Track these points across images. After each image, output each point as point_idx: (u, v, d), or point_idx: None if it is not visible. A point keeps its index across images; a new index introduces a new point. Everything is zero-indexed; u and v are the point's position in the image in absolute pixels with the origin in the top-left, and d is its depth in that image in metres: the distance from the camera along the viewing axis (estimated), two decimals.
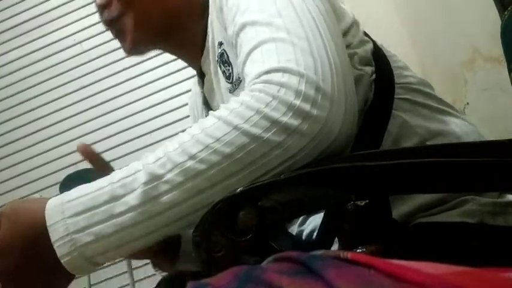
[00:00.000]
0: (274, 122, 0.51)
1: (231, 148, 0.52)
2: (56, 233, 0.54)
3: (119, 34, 0.80)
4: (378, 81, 0.71)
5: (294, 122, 0.51)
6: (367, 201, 0.49)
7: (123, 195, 0.54)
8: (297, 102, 0.51)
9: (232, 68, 0.72)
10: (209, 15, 0.75)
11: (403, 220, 0.64)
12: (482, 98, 1.39)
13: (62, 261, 0.54)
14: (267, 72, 0.54)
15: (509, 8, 0.75)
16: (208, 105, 0.87)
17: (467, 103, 1.45)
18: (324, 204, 0.52)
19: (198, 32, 0.78)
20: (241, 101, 0.53)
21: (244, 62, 0.60)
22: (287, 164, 0.53)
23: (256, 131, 0.52)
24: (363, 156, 0.55)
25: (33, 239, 0.56)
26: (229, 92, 0.74)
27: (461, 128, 0.72)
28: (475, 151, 0.53)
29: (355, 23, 0.75)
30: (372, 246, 0.47)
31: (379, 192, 0.51)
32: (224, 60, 0.73)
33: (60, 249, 0.54)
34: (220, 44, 0.73)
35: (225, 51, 0.72)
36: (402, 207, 0.65)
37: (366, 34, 0.76)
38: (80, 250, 0.54)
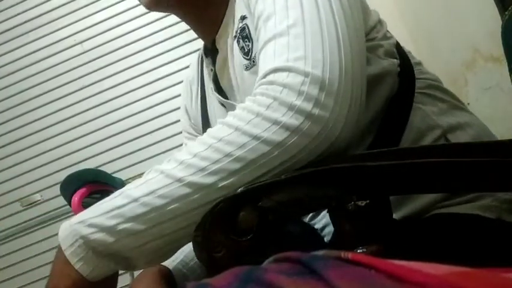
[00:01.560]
0: (274, 123, 0.52)
1: (231, 147, 0.52)
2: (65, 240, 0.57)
3: None
4: (402, 73, 0.72)
5: (295, 122, 0.51)
6: (368, 201, 0.49)
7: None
8: (298, 102, 0.51)
9: (252, 44, 0.71)
10: None
11: (419, 213, 0.64)
12: (483, 98, 1.39)
13: (66, 254, 0.56)
14: (274, 71, 0.55)
15: (509, 8, 0.74)
16: (218, 84, 0.86)
17: (468, 103, 1.45)
18: (325, 205, 0.52)
19: (219, 8, 0.78)
20: (244, 107, 0.54)
21: (259, 51, 0.60)
22: (288, 164, 0.53)
23: (256, 130, 0.52)
24: (364, 156, 0.55)
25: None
26: (246, 70, 0.73)
27: (475, 124, 0.74)
28: (475, 151, 0.53)
29: (380, 21, 0.76)
30: (373, 246, 0.48)
31: (380, 192, 0.51)
32: (245, 35, 0.71)
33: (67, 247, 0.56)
34: (243, 18, 0.72)
35: (247, 25, 0.71)
36: (418, 201, 0.65)
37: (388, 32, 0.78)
38: (83, 240, 0.55)
